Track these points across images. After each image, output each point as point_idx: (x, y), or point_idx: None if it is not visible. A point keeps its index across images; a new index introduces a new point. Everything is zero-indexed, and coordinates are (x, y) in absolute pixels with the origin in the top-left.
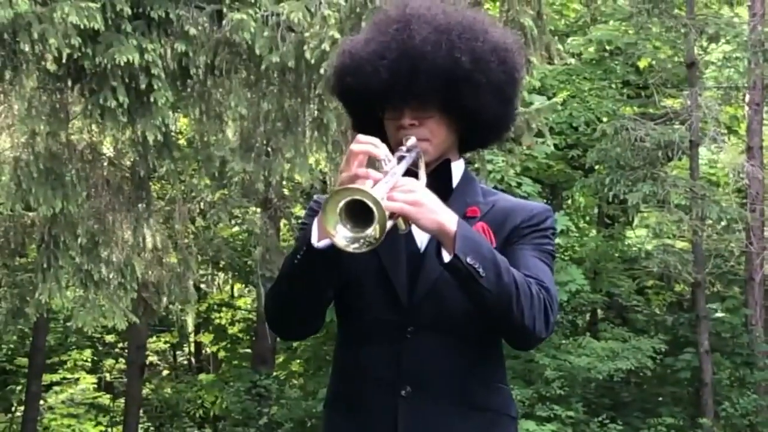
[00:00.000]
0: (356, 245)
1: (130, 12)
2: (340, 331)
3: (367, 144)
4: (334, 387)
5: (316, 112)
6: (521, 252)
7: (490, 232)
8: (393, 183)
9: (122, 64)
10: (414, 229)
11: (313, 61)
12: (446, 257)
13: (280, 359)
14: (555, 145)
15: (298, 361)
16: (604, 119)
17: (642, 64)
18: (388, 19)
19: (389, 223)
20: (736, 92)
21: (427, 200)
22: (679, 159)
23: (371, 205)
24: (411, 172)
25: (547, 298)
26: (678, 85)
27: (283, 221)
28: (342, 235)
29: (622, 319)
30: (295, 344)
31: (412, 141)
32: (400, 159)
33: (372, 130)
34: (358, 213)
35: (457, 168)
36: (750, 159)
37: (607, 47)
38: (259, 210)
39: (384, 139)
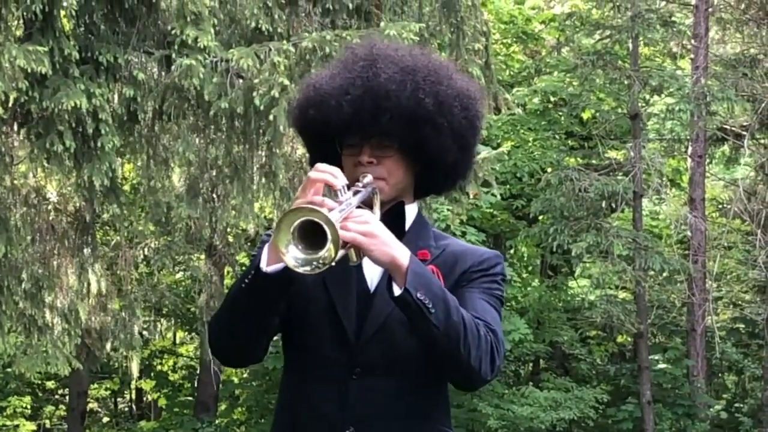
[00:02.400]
0: (307, 267)
1: (78, 56)
2: (288, 367)
3: (326, 173)
4: (279, 423)
5: (264, 158)
6: (470, 294)
7: (440, 275)
8: (348, 213)
9: (69, 108)
10: (365, 267)
11: (261, 108)
12: (396, 291)
13: (223, 407)
14: (500, 195)
15: (240, 409)
16: (548, 169)
17: (586, 115)
18: (355, 57)
19: (341, 252)
20: (678, 144)
21: (381, 232)
22: (623, 210)
23: (325, 227)
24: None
25: (494, 340)
26: (621, 137)
27: (227, 268)
28: (292, 255)
29: (565, 369)
30: (237, 392)
31: (368, 179)
32: (356, 192)
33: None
34: (311, 235)
35: (411, 211)
36: (692, 210)
37: (552, 98)
38: (203, 256)
39: None
